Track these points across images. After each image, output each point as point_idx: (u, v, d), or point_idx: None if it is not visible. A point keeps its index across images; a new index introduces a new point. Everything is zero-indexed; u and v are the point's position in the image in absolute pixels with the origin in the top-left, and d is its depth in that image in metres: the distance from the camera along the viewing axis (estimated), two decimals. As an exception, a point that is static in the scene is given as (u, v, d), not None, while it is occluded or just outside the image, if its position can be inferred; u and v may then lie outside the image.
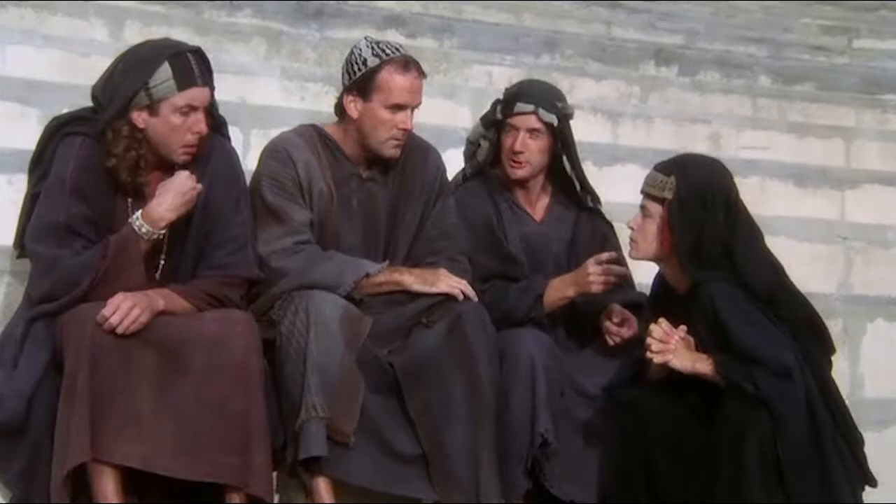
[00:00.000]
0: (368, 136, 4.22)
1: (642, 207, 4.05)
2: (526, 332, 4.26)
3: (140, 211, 3.88)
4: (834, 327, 4.60)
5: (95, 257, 3.82)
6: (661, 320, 3.89)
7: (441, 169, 4.41)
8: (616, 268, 4.31)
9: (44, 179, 3.94)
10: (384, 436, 4.04)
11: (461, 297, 4.12)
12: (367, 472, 4.01)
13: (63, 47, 6.03)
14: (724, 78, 8.03)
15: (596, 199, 4.63)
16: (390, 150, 4.23)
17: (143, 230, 3.86)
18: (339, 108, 4.27)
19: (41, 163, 3.99)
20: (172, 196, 3.88)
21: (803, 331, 3.98)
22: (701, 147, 6.85)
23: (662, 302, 4.12)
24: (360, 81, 4.18)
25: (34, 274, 3.89)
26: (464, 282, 4.16)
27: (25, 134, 4.81)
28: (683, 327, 3.89)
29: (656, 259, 4.09)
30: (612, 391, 4.10)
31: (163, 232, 3.89)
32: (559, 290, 4.38)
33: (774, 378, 3.78)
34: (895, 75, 8.25)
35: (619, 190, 4.74)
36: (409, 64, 4.21)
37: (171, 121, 3.89)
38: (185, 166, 3.96)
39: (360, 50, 4.21)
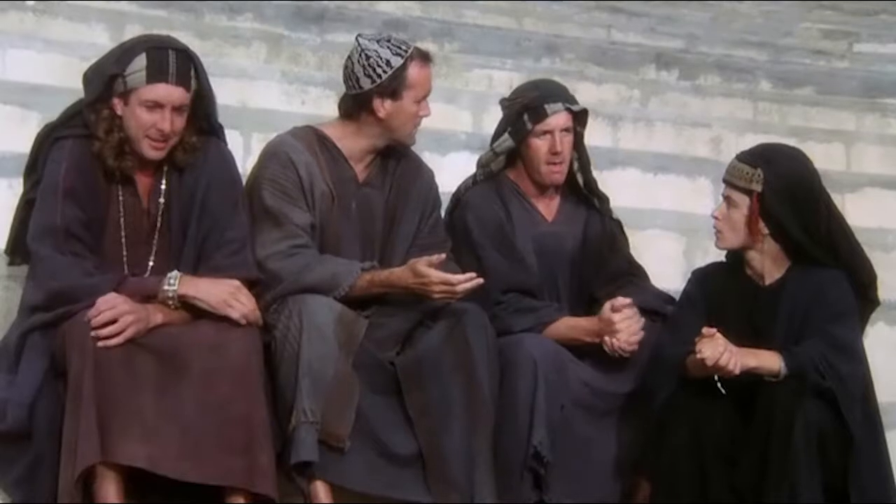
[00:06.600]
0: (397, 130, 4.24)
1: (727, 198, 4.10)
2: (530, 339, 4.22)
3: (180, 274, 3.86)
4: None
5: (107, 287, 3.80)
6: (716, 334, 3.90)
7: (434, 183, 4.43)
8: (633, 312, 4.23)
9: (37, 186, 3.95)
10: (380, 437, 4.04)
11: (460, 294, 4.08)
12: (362, 477, 4.01)
13: (64, 51, 6.02)
14: (724, 82, 8.03)
15: (602, 198, 4.57)
16: (413, 139, 4.30)
17: (168, 291, 3.82)
18: (355, 110, 4.23)
19: (35, 170, 4.00)
20: (216, 290, 3.84)
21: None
22: (701, 151, 6.86)
23: (718, 300, 4.15)
24: (388, 83, 4.16)
25: (32, 277, 3.89)
26: (455, 276, 4.08)
27: (26, 138, 4.79)
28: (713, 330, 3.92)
29: (744, 248, 4.12)
30: (653, 393, 4.09)
31: (175, 303, 3.84)
32: (572, 332, 4.30)
33: (844, 357, 3.96)
34: (895, 79, 8.25)
35: (619, 194, 4.72)
36: (424, 54, 4.25)
37: (136, 112, 3.89)
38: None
39: (376, 51, 4.17)
